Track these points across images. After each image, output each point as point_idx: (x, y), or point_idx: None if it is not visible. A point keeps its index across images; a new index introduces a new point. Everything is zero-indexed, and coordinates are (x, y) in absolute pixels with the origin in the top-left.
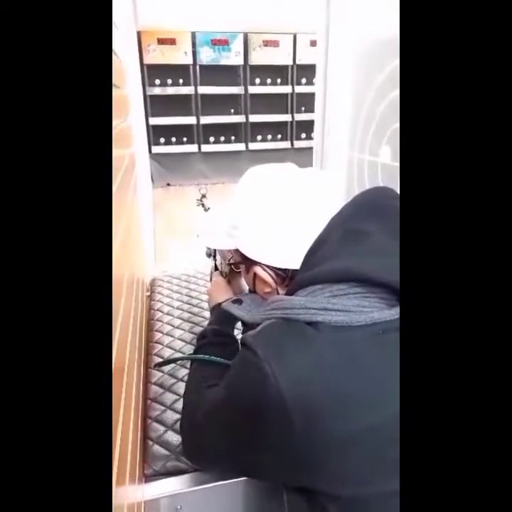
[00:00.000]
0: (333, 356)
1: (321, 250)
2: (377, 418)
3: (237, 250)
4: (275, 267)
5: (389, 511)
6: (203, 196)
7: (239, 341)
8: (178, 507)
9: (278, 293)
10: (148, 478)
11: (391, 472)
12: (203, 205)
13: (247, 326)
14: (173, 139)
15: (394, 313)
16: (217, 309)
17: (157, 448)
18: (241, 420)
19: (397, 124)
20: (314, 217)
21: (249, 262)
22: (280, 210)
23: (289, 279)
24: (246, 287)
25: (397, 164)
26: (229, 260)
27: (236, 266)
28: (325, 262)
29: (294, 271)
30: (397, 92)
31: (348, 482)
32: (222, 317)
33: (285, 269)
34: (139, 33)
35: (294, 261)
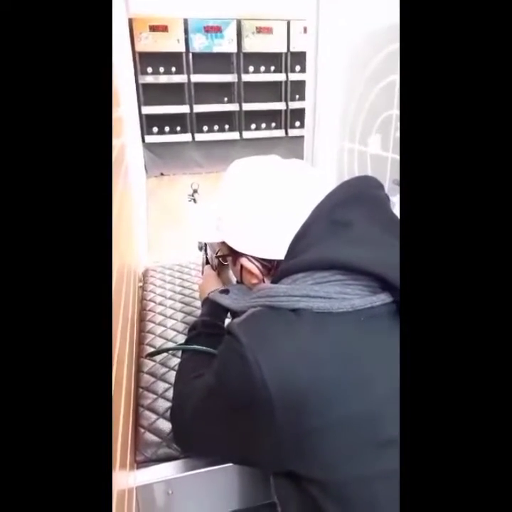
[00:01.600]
0: (316, 343)
1: (305, 239)
2: (357, 404)
3: (223, 243)
4: (261, 258)
5: (369, 494)
6: (195, 191)
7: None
8: (170, 492)
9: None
10: (140, 464)
11: (372, 456)
12: (194, 200)
13: (234, 315)
14: (167, 128)
15: (375, 299)
16: (207, 301)
17: (149, 435)
18: (227, 407)
19: (387, 113)
20: (298, 207)
21: (235, 254)
22: (264, 202)
23: (274, 270)
24: (235, 280)
25: (386, 154)
26: (217, 253)
27: (224, 258)
28: (308, 250)
29: (280, 261)
30: (387, 80)
31: (330, 466)
32: (212, 309)
33: (271, 260)
34: (130, 20)
35: (279, 251)
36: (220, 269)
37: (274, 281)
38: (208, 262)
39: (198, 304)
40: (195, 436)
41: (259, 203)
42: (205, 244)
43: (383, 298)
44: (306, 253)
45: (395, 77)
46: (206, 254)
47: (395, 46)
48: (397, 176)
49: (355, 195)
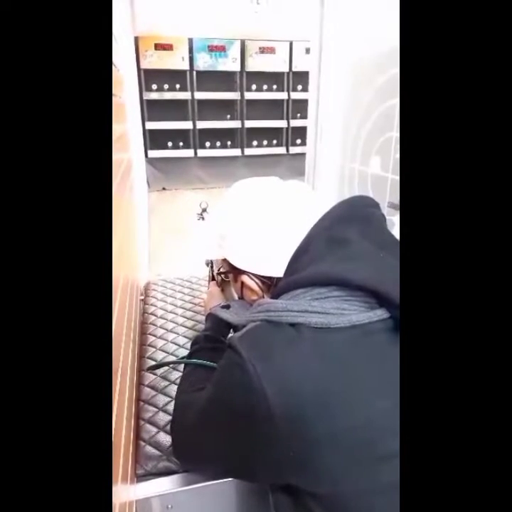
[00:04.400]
0: (314, 357)
1: (304, 257)
2: (355, 418)
3: (225, 260)
4: (261, 275)
5: (367, 508)
6: (204, 210)
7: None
8: (169, 506)
9: None
10: (139, 478)
11: (370, 470)
12: (203, 218)
13: (235, 330)
14: (170, 144)
15: (373, 315)
16: (209, 316)
17: (149, 448)
18: (227, 420)
19: (387, 135)
20: (296, 226)
21: (236, 271)
22: (264, 221)
23: (274, 287)
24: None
25: (386, 175)
26: (219, 269)
27: (226, 275)
28: (307, 268)
29: (279, 278)
30: (388, 103)
31: (328, 479)
32: (214, 324)
33: (270, 277)
34: (136, 39)
35: (278, 269)
36: (223, 285)
37: (273, 297)
38: (213, 278)
39: (200, 318)
40: (194, 449)
41: (259, 222)
42: (212, 260)
43: (380, 313)
44: (305, 270)
45: (396, 101)
46: (212, 270)
47: (397, 70)
48: (396, 197)
49: (351, 214)
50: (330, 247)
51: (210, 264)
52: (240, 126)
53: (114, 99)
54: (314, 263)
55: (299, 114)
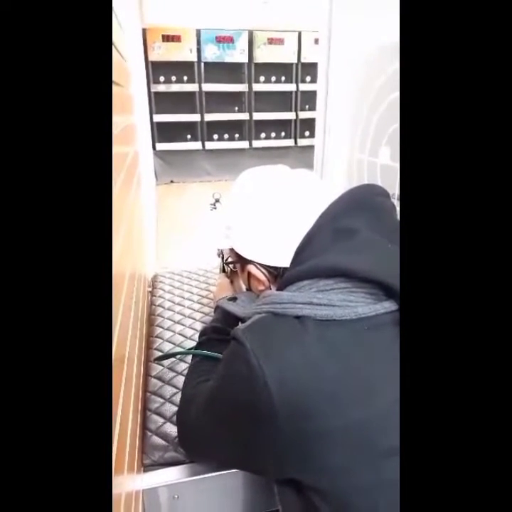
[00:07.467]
0: (318, 350)
1: (310, 247)
2: (358, 413)
3: (232, 249)
4: (267, 265)
5: (370, 504)
6: (217, 201)
7: None
8: (175, 496)
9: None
10: (146, 468)
11: (373, 466)
12: (215, 209)
13: (243, 322)
14: (178, 136)
15: (379, 308)
16: (218, 308)
17: (156, 439)
18: (230, 412)
19: (396, 125)
20: (303, 216)
21: (243, 261)
22: (270, 210)
23: (281, 277)
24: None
25: (396, 165)
26: (226, 260)
27: (234, 265)
28: (313, 258)
29: (286, 269)
30: (397, 93)
31: (330, 475)
32: (222, 316)
33: (277, 267)
34: (144, 31)
35: (284, 259)
36: (232, 276)
37: (279, 288)
38: (224, 270)
39: (207, 309)
40: (199, 439)
41: (266, 211)
42: (222, 251)
43: (387, 306)
44: (311, 261)
45: None
46: (223, 261)
47: None
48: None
49: (358, 203)
50: (336, 238)
51: (221, 254)
52: (247, 118)
53: (122, 90)
54: (320, 254)
55: (307, 106)
